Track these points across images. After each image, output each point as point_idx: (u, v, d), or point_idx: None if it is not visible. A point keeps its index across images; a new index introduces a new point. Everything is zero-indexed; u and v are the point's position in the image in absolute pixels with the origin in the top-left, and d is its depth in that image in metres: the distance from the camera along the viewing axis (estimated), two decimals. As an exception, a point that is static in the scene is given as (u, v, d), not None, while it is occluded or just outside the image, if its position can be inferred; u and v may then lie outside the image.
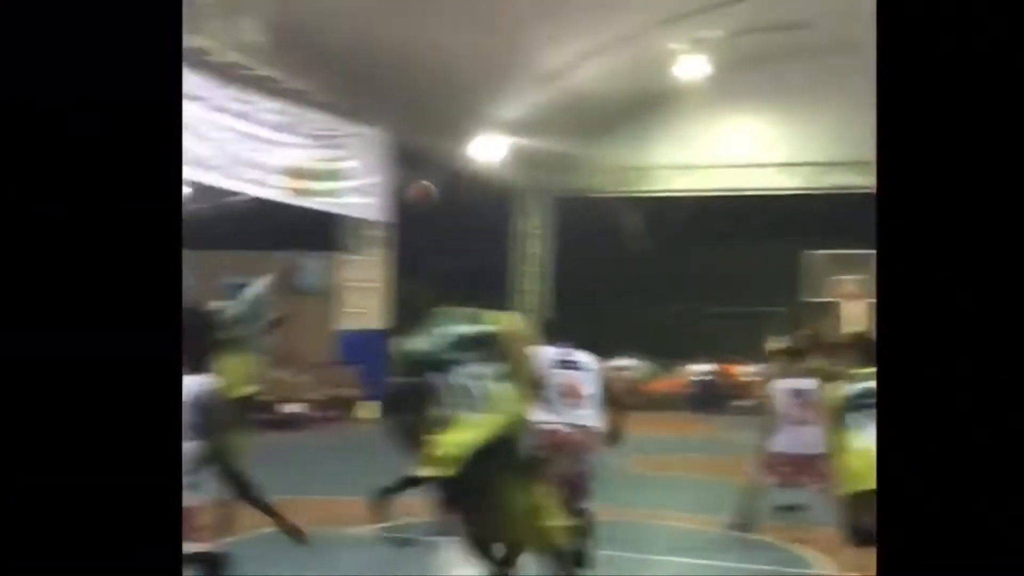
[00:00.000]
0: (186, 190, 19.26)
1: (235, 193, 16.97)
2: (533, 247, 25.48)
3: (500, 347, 4.76)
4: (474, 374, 4.65)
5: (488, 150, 21.62)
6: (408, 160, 21.05)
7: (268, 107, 16.24)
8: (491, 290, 26.10)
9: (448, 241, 23.52)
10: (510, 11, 15.70)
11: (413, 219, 20.83)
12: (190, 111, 14.51)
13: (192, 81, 14.59)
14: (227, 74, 15.34)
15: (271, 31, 10.86)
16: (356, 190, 18.77)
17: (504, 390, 4.65)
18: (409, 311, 5.20)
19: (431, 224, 22.10)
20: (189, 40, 13.80)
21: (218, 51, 14.11)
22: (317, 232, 20.23)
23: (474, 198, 22.84)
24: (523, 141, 21.74)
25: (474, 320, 4.87)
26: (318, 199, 17.94)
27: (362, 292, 20.47)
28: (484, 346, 4.73)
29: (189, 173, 15.05)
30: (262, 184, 16.46)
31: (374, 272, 20.44)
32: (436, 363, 4.67)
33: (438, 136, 20.77)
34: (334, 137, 17.96)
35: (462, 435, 4.47)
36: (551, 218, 25.46)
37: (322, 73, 16.90)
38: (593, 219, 25.10)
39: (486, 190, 23.40)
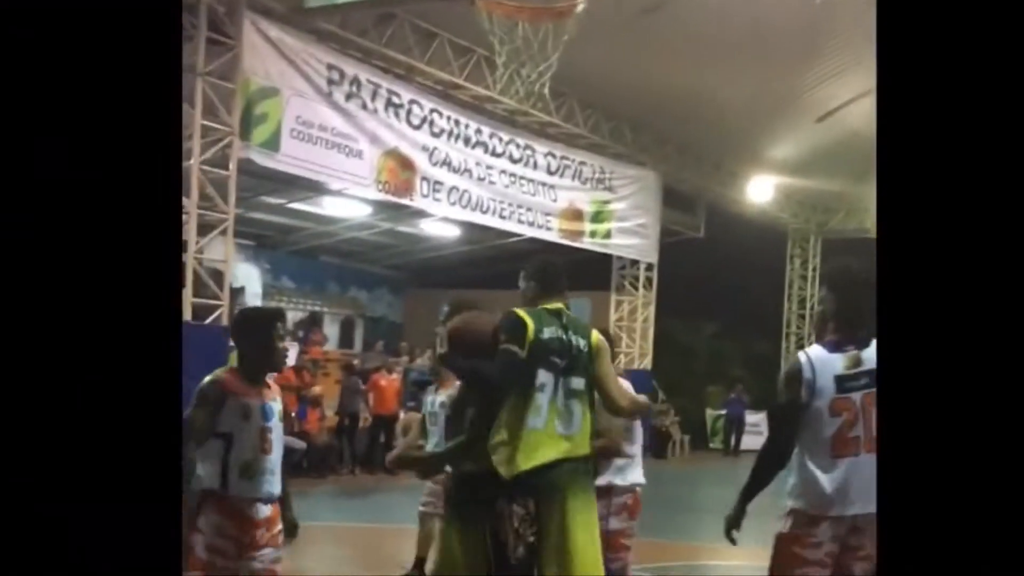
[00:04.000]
0: (463, 232, 20.19)
1: (511, 234, 17.65)
2: (803, 289, 24.96)
3: (588, 366, 4.38)
4: (572, 388, 4.31)
5: (759, 191, 21.42)
6: (678, 201, 21.22)
7: (544, 151, 16.84)
8: (762, 332, 25.71)
9: (716, 283, 23.45)
10: (783, 51, 15.59)
11: (684, 261, 20.96)
12: (472, 156, 15.29)
13: (473, 128, 15.38)
14: (507, 121, 16.06)
15: (550, 79, 11.30)
16: (627, 231, 19.09)
17: (586, 415, 4.36)
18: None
19: (700, 265, 22.15)
20: (472, 89, 14.56)
21: (499, 99, 14.78)
22: (588, 272, 20.65)
23: (745, 239, 22.69)
24: (795, 181, 21.42)
25: (570, 327, 4.41)
26: (589, 240, 18.37)
27: (630, 332, 20.70)
28: (577, 359, 4.34)
29: (467, 215, 15.84)
30: (537, 225, 17.04)
31: (641, 312, 20.64)
32: (546, 360, 4.26)
33: (709, 177, 20.82)
34: (607, 179, 18.37)
35: (544, 450, 4.20)
36: (821, 259, 24.85)
37: (596, 116, 17.38)
38: (864, 260, 24.28)
39: (757, 231, 23.17)
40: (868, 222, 23.71)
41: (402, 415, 15.64)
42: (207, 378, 4.36)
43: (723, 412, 23.62)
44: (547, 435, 4.25)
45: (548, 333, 4.28)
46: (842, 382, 3.92)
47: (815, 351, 4.04)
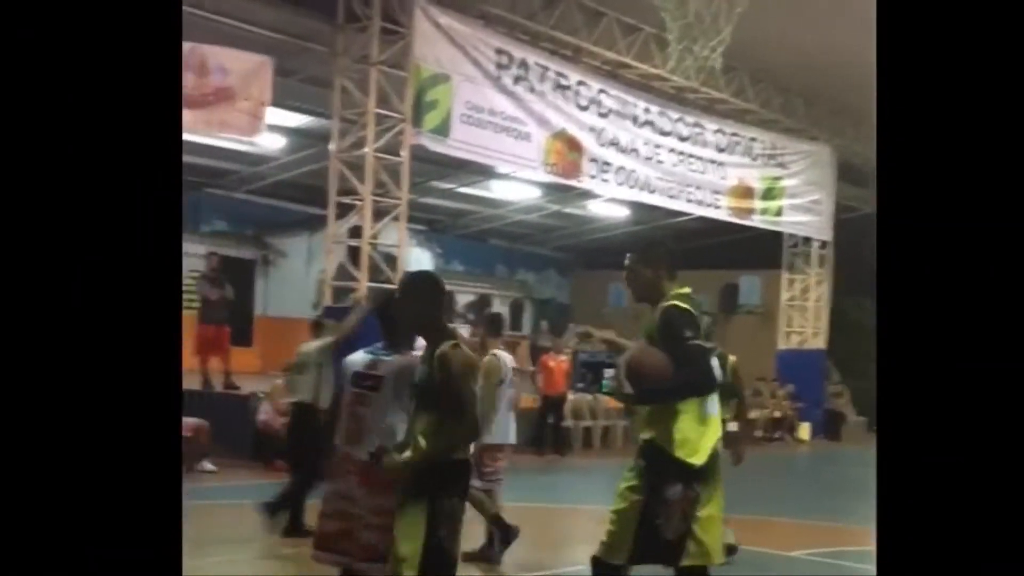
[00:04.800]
0: (631, 212, 20.08)
1: (680, 214, 17.45)
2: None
3: None
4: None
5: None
6: (852, 177, 20.55)
7: (713, 128, 16.56)
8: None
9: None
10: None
11: (860, 237, 20.30)
12: (639, 136, 15.17)
13: (641, 107, 15.24)
14: (675, 99, 15.86)
15: (722, 55, 11.09)
16: (799, 208, 18.62)
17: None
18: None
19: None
20: (639, 68, 14.42)
21: (667, 77, 14.60)
22: (758, 251, 20.26)
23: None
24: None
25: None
26: (760, 218, 18.00)
27: (802, 311, 20.21)
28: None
29: (635, 195, 15.71)
30: (706, 204, 16.79)
31: (814, 291, 20.12)
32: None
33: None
34: (778, 155, 17.94)
35: (713, 435, 4.34)
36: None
37: (767, 91, 16.96)
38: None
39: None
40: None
41: (571, 396, 15.73)
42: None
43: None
44: (713, 419, 4.35)
45: (703, 320, 4.33)
46: None
47: None
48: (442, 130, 12.57)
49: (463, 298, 21.29)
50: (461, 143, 12.88)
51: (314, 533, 4.65)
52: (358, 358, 4.63)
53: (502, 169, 16.19)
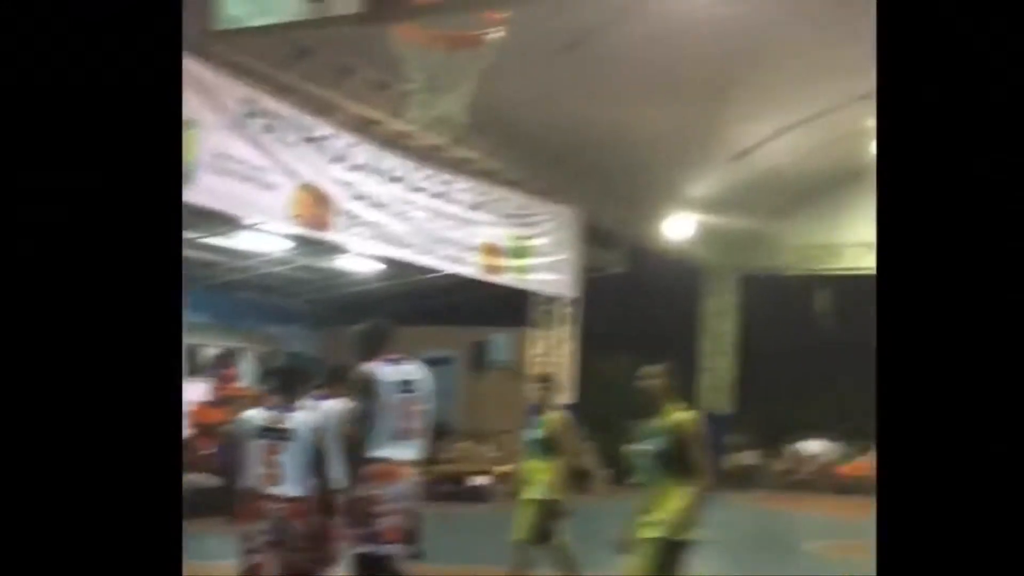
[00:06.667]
0: (382, 267, 20.01)
1: (430, 270, 17.54)
2: (721, 325, 25.17)
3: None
4: None
5: (678, 228, 21.62)
6: (598, 238, 21.30)
7: (463, 187, 16.78)
8: (678, 367, 25.79)
9: (636, 318, 23.56)
10: (703, 88, 15.80)
11: (602, 296, 21.02)
12: (390, 191, 15.18)
13: (392, 163, 15.27)
14: (425, 156, 15.98)
15: (469, 114, 11.29)
16: (546, 267, 19.08)
17: None
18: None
19: (620, 301, 22.24)
20: (389, 125, 14.48)
21: (417, 135, 14.72)
22: (507, 308, 20.59)
23: (663, 276, 22.86)
24: (713, 219, 21.65)
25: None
26: (509, 276, 18.32)
27: (550, 367, 20.63)
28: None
29: (385, 250, 15.70)
30: (456, 261, 16.95)
31: (562, 348, 20.61)
32: None
33: (628, 213, 20.93)
34: (526, 215, 18.36)
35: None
36: (739, 296, 25.12)
37: (515, 152, 17.37)
38: (782, 298, 24.64)
39: (675, 268, 23.35)
40: (784, 259, 24.07)
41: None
42: None
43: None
44: None
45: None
46: None
47: None
48: (187, 177, 12.12)
49: (209, 351, 20.50)
50: (206, 191, 12.46)
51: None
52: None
53: (249, 220, 15.78)
